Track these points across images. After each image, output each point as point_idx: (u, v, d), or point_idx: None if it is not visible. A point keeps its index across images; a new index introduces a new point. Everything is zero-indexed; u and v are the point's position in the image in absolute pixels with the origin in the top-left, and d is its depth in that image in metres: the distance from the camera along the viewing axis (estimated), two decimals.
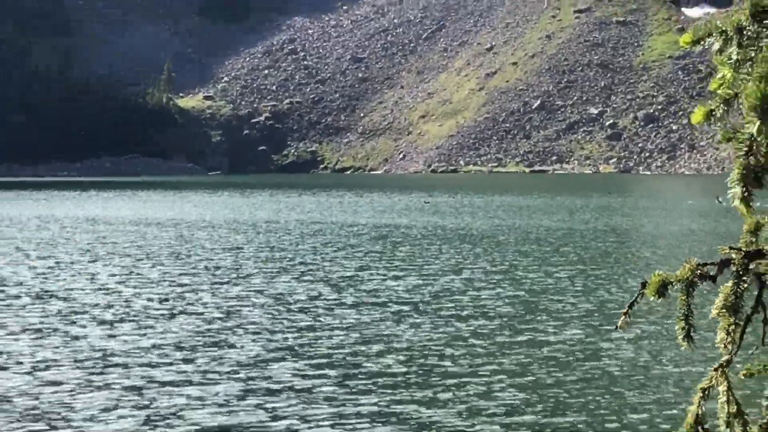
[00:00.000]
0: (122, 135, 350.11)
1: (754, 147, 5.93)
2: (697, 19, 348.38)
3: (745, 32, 6.43)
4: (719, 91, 6.48)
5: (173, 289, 51.96)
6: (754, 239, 6.62)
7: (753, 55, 6.43)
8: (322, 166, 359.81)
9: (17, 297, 48.73)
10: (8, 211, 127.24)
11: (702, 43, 6.77)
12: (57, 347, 34.79)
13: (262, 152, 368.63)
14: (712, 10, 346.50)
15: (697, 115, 6.53)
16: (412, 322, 39.97)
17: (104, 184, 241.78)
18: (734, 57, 6.45)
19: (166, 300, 48.79)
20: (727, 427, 6.79)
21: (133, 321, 40.79)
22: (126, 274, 57.83)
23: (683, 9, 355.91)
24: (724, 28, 6.58)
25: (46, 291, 50.40)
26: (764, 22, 6.35)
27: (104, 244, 78.42)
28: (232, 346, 35.78)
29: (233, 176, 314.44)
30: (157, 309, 45.09)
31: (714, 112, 6.30)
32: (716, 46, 6.57)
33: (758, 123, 5.75)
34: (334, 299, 47.03)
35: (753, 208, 6.20)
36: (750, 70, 6.10)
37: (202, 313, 43.38)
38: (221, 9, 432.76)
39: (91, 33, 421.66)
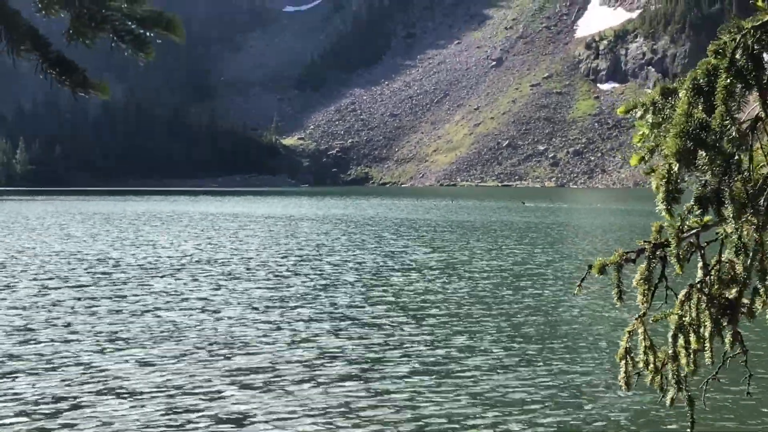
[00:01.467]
0: (247, 161, 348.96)
1: (672, 178, 6.21)
2: (606, 90, 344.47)
3: (657, 104, 6.67)
4: (646, 145, 6.72)
5: (287, 257, 50.90)
6: (658, 235, 6.86)
7: (661, 119, 6.68)
8: (371, 181, 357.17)
9: (190, 263, 47.63)
10: (178, 208, 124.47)
11: (631, 112, 7.00)
12: (214, 293, 34.95)
13: (334, 172, 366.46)
14: (616, 84, 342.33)
15: (634, 160, 6.78)
16: (441, 279, 39.59)
17: (236, 192, 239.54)
18: (650, 120, 6.69)
19: (285, 260, 48.48)
20: (644, 355, 7.05)
21: (267, 278, 40.49)
22: (257, 249, 56.18)
23: (598, 84, 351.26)
24: (644, 102, 6.81)
25: (208, 260, 49.15)
26: (668, 98, 6.56)
27: (243, 229, 75.91)
28: (332, 292, 35.18)
29: (317, 187, 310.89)
30: (277, 269, 44.33)
31: (644, 158, 6.55)
32: (639, 114, 6.76)
33: (677, 164, 6.03)
34: (390, 265, 46.02)
35: (674, 215, 6.48)
36: (665, 130, 6.34)
37: (309, 273, 42.50)
38: (309, 83, 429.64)
39: (227, 98, 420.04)
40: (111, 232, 71.96)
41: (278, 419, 16.50)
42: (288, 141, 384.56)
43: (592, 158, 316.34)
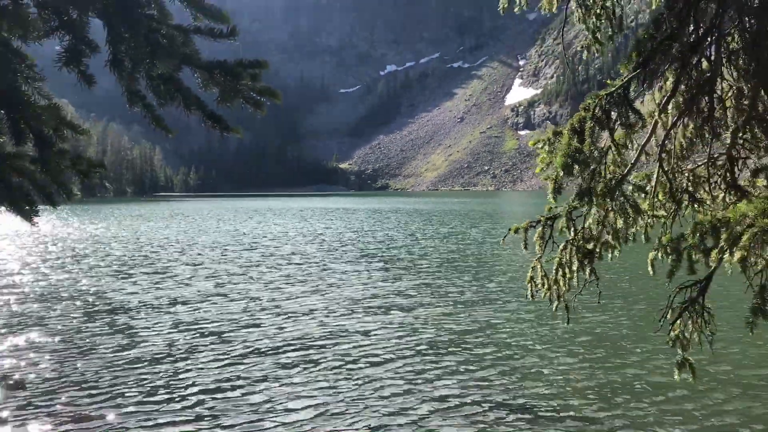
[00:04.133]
0: (317, 177, 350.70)
1: (558, 181, 6.21)
2: (522, 134, 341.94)
3: (550, 139, 6.66)
4: (544, 162, 6.69)
5: (350, 241, 38.59)
6: (549, 212, 6.87)
7: (552, 148, 6.66)
8: (389, 188, 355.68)
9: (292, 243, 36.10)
10: (268, 204, 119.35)
11: (536, 144, 6.98)
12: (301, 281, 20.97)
13: (368, 183, 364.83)
14: (529, 131, 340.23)
15: (538, 169, 6.79)
16: (436, 275, 23.41)
17: (314, 195, 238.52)
18: (547, 148, 6.67)
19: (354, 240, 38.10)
20: (541, 280, 7.05)
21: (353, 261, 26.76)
22: (334, 234, 47.09)
23: (518, 131, 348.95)
24: (543, 138, 6.79)
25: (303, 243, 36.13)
26: (557, 136, 6.55)
27: (326, 218, 67.86)
28: (391, 270, 25.47)
29: (358, 192, 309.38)
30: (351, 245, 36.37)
31: (543, 169, 6.54)
32: (540, 145, 6.75)
33: (562, 173, 6.04)
34: (418, 255, 32.35)
35: (556, 200, 6.48)
36: (555, 153, 6.34)
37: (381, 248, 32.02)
38: (354, 134, 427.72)
39: (309, 140, 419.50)
40: (264, 222, 65.32)
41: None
42: (342, 165, 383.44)
43: (515, 173, 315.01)
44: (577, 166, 6.06)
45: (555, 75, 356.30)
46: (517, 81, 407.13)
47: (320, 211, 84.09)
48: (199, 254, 30.80)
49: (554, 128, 6.53)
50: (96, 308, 16.85)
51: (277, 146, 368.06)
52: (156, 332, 14.03)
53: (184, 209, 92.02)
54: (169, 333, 13.90)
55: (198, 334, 13.82)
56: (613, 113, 6.28)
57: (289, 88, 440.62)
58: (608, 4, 7.94)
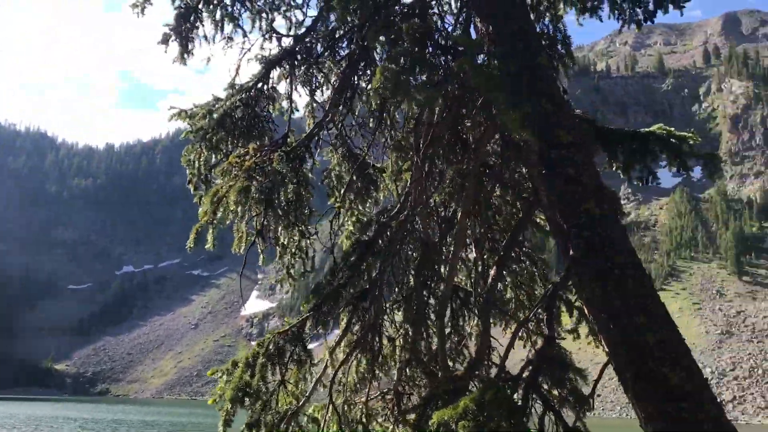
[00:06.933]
0: (28, 378, 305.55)
1: (229, 413, 6.07)
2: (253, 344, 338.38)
3: (228, 370, 6.61)
4: (219, 392, 6.53)
5: None
6: None
7: (229, 380, 6.56)
8: (110, 393, 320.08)
9: None
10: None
11: (213, 374, 6.83)
12: None
13: (88, 388, 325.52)
14: None
15: (210, 401, 6.64)
16: None
17: (17, 400, 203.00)
18: (225, 378, 6.55)
19: None
20: None
21: None
22: None
23: (251, 342, 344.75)
24: (222, 369, 6.66)
25: None
26: (235, 367, 6.57)
27: (35, 429, 61.54)
28: None
29: (74, 396, 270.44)
30: None
31: (216, 401, 6.35)
32: (219, 375, 6.60)
33: (230, 406, 5.92)
34: None
35: None
36: (227, 385, 6.26)
37: None
38: (80, 332, 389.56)
39: (26, 337, 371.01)
40: None
41: None
42: (59, 366, 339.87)
43: None
44: (248, 399, 6.10)
45: (289, 291, 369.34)
46: (255, 293, 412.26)
47: (28, 419, 72.13)
48: None
49: (233, 359, 6.59)
50: None
51: None
52: None
53: None
54: None
55: None
56: (288, 350, 6.55)
57: (10, 281, 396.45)
58: (303, 245, 8.59)
